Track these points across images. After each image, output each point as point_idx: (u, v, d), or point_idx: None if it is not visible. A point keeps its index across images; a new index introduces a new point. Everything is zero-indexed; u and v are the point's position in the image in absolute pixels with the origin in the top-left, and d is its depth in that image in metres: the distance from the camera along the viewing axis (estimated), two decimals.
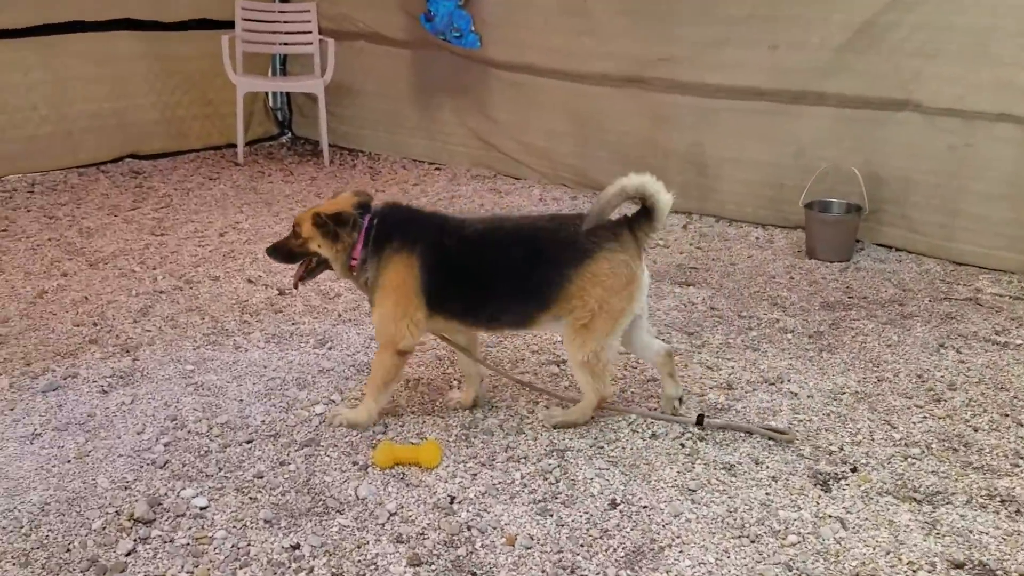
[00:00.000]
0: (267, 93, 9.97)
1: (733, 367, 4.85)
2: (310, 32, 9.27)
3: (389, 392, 4.20)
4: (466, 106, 8.82)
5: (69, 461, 3.87)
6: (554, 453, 3.99)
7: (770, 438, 4.10)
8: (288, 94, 10.14)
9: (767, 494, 3.70)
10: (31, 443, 3.99)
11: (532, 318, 3.98)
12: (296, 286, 4.22)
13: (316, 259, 4.03)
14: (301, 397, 4.46)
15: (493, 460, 3.93)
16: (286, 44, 9.51)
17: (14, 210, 7.20)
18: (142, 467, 3.84)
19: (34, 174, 8.05)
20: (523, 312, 3.97)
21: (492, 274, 3.93)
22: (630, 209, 3.97)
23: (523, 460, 3.93)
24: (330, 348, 5.01)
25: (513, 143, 8.53)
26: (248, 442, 4.05)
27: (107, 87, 8.54)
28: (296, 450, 3.99)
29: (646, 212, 3.83)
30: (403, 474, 3.82)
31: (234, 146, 9.43)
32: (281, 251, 4.06)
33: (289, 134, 10.26)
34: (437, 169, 8.99)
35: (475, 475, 3.82)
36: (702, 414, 4.15)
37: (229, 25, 9.09)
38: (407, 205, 4.27)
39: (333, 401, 4.44)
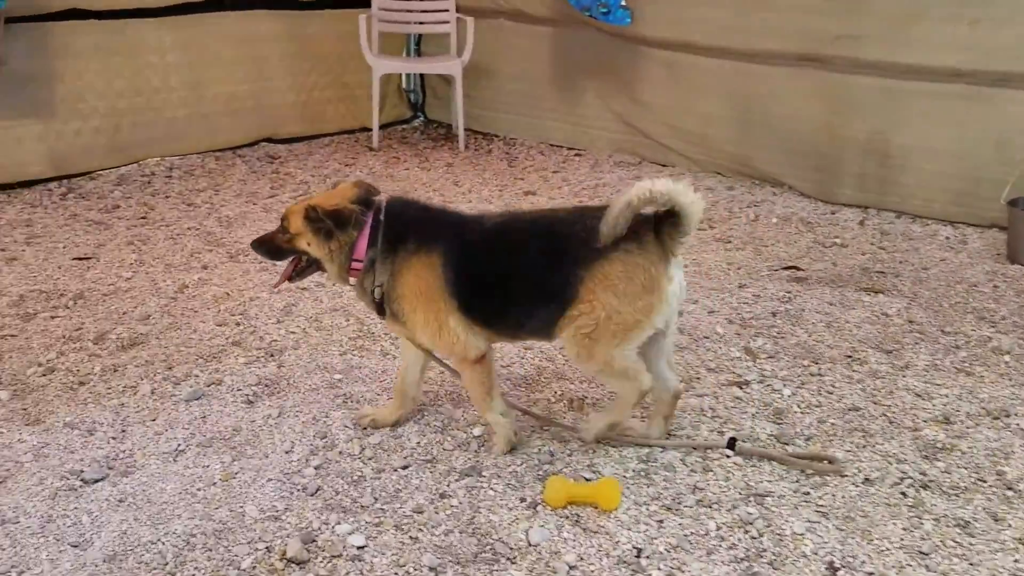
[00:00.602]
0: (401, 75, 9.63)
1: (947, 396, 4.16)
2: (447, 10, 8.85)
3: (498, 397, 3.74)
4: (612, 88, 8.25)
5: (215, 484, 3.55)
6: (751, 498, 3.44)
7: (814, 472, 3.62)
8: (422, 76, 9.78)
9: (1016, 562, 3.06)
10: (174, 461, 3.70)
11: (555, 325, 3.57)
12: (277, 287, 3.85)
13: (306, 258, 3.63)
14: (457, 416, 4.04)
15: (680, 504, 3.41)
16: (422, 23, 9.12)
17: (153, 195, 7.07)
18: (292, 494, 3.49)
19: (172, 158, 7.93)
20: (546, 318, 3.59)
21: (512, 274, 3.60)
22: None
23: (716, 506, 3.39)
24: None
25: (663, 128, 7.92)
26: (404, 467, 3.65)
27: (244, 68, 8.35)
28: (456, 480, 3.57)
29: (674, 216, 3.37)
30: (578, 516, 3.35)
31: (368, 130, 9.13)
32: (266, 245, 3.64)
33: (422, 117, 9.91)
34: (577, 155, 8.47)
35: (661, 522, 3.31)
36: (734, 438, 3.69)
37: (365, 4, 8.75)
38: (416, 200, 3.83)
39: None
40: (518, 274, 3.57)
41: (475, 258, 3.58)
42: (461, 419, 4.00)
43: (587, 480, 3.60)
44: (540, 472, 3.63)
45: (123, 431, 3.91)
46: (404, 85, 9.77)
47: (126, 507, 3.40)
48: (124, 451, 3.75)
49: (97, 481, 3.55)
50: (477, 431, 3.90)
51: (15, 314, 4.94)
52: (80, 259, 5.72)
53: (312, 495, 3.49)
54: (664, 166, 7.98)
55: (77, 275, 5.50)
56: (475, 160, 8.41)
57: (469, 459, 3.73)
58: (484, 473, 3.63)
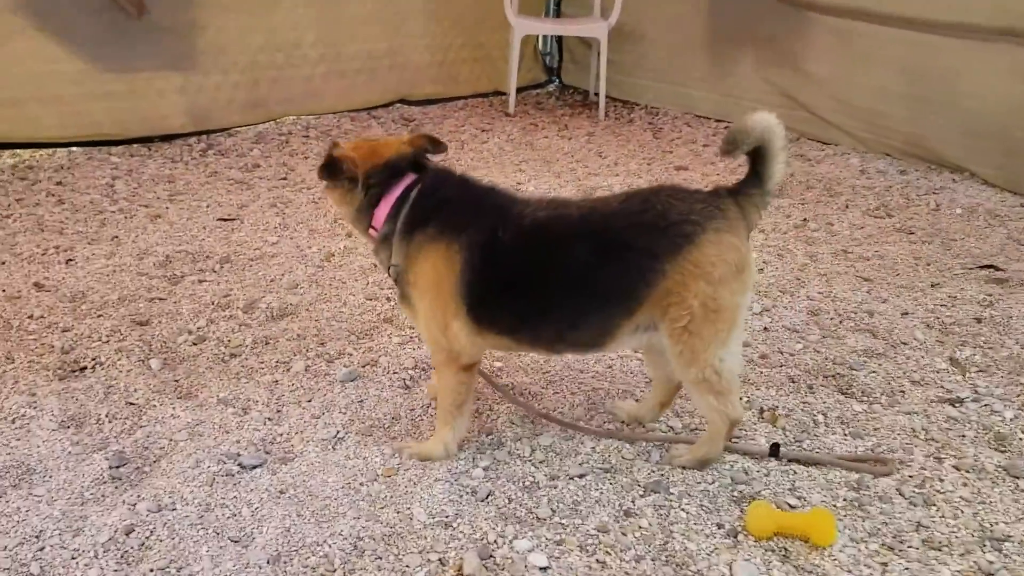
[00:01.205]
0: (538, 37, 9.19)
1: None
2: None
3: (466, 415, 3.35)
4: (771, 56, 7.64)
5: (377, 479, 3.27)
6: (988, 542, 2.97)
7: (865, 471, 3.32)
8: (560, 38, 9.31)
9: None
10: (334, 449, 3.43)
11: (612, 332, 3.16)
12: None
13: None
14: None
15: (903, 543, 2.96)
16: None
17: (291, 155, 6.85)
18: (462, 497, 3.17)
19: (308, 117, 7.72)
20: (601, 324, 3.15)
21: (559, 276, 3.12)
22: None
23: (946, 549, 2.93)
24: None
25: (828, 102, 7.29)
26: (580, 476, 3.29)
27: (381, 26, 8.05)
28: (641, 496, 3.20)
29: (757, 177, 3.05)
30: (786, 550, 2.94)
31: (502, 94, 8.80)
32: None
33: (557, 82, 9.47)
34: (727, 128, 7.88)
35: (885, 565, 2.87)
36: (777, 444, 3.37)
37: None
38: (460, 175, 3.33)
39: (671, 428, 3.62)
40: (564, 279, 3.10)
41: (506, 260, 3.11)
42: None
43: (791, 507, 3.18)
44: (735, 494, 3.23)
45: (279, 411, 3.67)
46: (540, 47, 9.33)
47: (287, 500, 3.14)
48: (281, 435, 3.51)
49: (255, 467, 3.31)
50: (657, 442, 3.53)
51: (163, 275, 4.77)
52: (224, 220, 5.54)
53: (483, 500, 3.17)
54: (825, 144, 7.37)
55: (222, 237, 5.31)
56: (616, 129, 7.94)
57: (652, 472, 3.35)
58: (672, 491, 3.24)
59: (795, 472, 3.37)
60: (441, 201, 3.19)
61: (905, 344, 4.30)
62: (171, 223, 5.45)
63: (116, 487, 3.19)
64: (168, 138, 6.84)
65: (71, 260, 4.89)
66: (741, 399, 3.83)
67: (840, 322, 4.52)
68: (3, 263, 4.81)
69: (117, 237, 5.19)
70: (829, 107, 7.31)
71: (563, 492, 3.22)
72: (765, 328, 4.43)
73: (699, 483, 3.29)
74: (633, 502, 3.18)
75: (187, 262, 4.94)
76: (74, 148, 6.53)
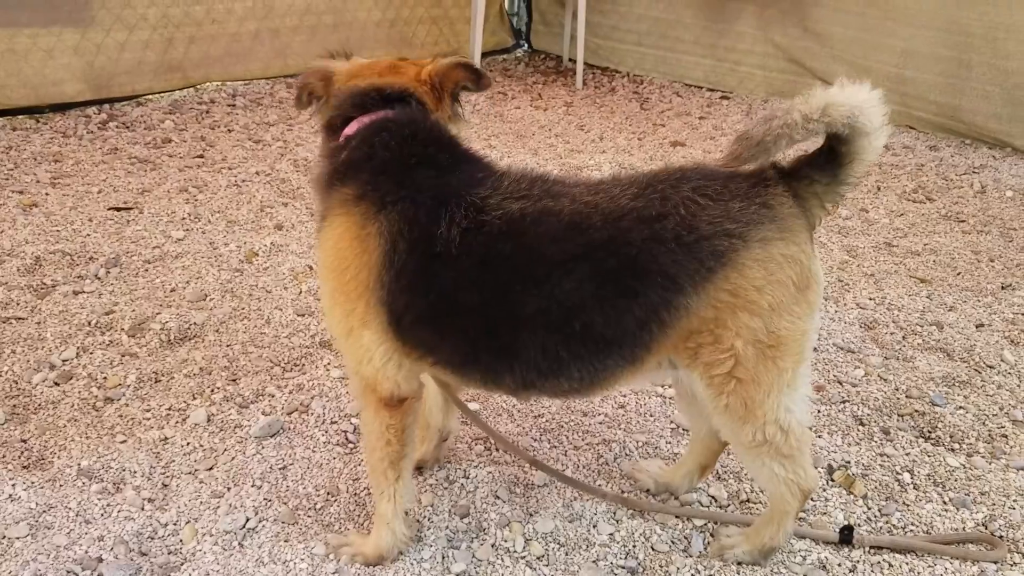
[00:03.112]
0: None
1: None
2: None
3: (406, 477, 2.32)
4: (775, 15, 6.70)
5: None
6: None
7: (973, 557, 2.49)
8: None
9: None
10: (241, 547, 2.39)
11: (605, 382, 2.18)
12: None
13: None
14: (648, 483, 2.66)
15: None
16: None
17: (212, 128, 5.69)
18: None
19: (235, 83, 6.54)
20: (590, 375, 2.14)
21: (531, 307, 2.05)
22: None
23: None
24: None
25: (842, 67, 6.31)
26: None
27: None
28: None
29: (833, 159, 2.07)
30: None
31: None
32: None
33: (526, 46, 8.39)
34: (723, 98, 6.92)
35: None
36: (850, 527, 2.54)
37: None
38: (437, 125, 2.21)
39: (713, 499, 2.63)
40: (539, 312, 2.04)
41: (449, 264, 2.03)
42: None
43: None
44: None
45: (165, 487, 2.60)
46: (507, 7, 8.25)
47: None
48: (166, 525, 2.45)
49: None
50: (699, 520, 2.54)
51: (25, 286, 3.62)
52: (118, 209, 4.37)
53: None
54: None
55: (113, 231, 4.15)
56: (598, 100, 6.90)
57: (695, 571, 2.38)
58: None
59: (890, 564, 2.42)
60: (381, 149, 2.11)
61: (991, 368, 3.37)
62: (49, 214, 4.28)
63: None
64: (61, 108, 5.63)
65: None
66: None
67: (904, 338, 3.56)
68: None
69: None
70: (843, 73, 6.27)
71: None
72: (813, 348, 3.44)
73: None
74: None
75: (62, 266, 3.79)
76: None
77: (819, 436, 2.94)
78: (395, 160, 2.13)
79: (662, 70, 7.44)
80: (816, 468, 2.77)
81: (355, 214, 2.08)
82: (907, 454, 2.87)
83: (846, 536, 2.49)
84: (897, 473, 2.78)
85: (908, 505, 2.65)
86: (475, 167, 2.21)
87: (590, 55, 7.61)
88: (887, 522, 2.58)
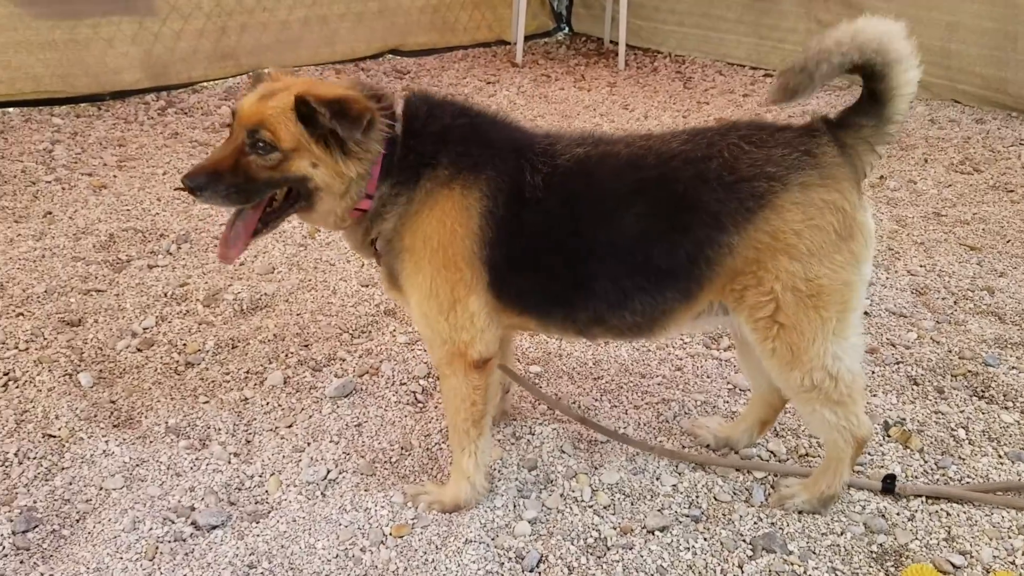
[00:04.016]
0: None
1: None
2: None
3: (486, 433, 2.45)
4: None
5: (384, 542, 2.37)
6: None
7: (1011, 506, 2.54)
8: None
9: None
10: (323, 496, 2.53)
11: (663, 319, 2.28)
12: (235, 256, 2.26)
13: (291, 192, 2.22)
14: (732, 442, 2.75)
15: None
16: None
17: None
18: (503, 567, 2.29)
19: (287, 70, 6.67)
20: (651, 308, 2.25)
21: (605, 237, 2.20)
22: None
23: None
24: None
25: None
26: (662, 529, 2.41)
27: None
28: (750, 557, 2.35)
29: (874, 100, 2.15)
30: None
31: (505, 43, 7.83)
32: (229, 180, 2.13)
33: (566, 29, 8.45)
34: (767, 76, 6.95)
35: None
36: (892, 475, 2.59)
37: None
38: (450, 98, 2.36)
39: (773, 454, 2.72)
40: (611, 241, 2.19)
41: (538, 212, 2.19)
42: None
43: (956, 569, 2.30)
44: (874, 549, 2.36)
45: (248, 443, 2.74)
46: None
47: None
48: (252, 477, 2.59)
49: (215, 528, 2.40)
50: (759, 472, 2.63)
51: (103, 261, 3.79)
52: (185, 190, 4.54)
53: (533, 571, 2.27)
54: None
55: (181, 210, 4.33)
56: (641, 80, 6.96)
57: (760, 521, 2.46)
58: (791, 548, 2.36)
59: (948, 513, 2.49)
60: (446, 130, 2.23)
61: None
62: (119, 195, 4.46)
63: (22, 562, 2.28)
64: (121, 95, 5.82)
65: None
66: None
67: (955, 303, 3.61)
68: None
69: (51, 213, 4.21)
70: None
71: (642, 555, 2.33)
72: (865, 313, 3.51)
73: (824, 534, 2.42)
74: (740, 567, 2.31)
75: (135, 243, 3.97)
76: (10, 108, 5.51)
77: (874, 395, 3.01)
78: (467, 128, 2.26)
79: (704, 49, 7.46)
80: (872, 424, 2.85)
81: (456, 186, 2.20)
82: (961, 411, 2.93)
83: (888, 485, 2.55)
84: (952, 429, 2.84)
85: (964, 459, 2.72)
86: (516, 124, 2.40)
87: (632, 36, 7.65)
88: (943, 475, 2.65)
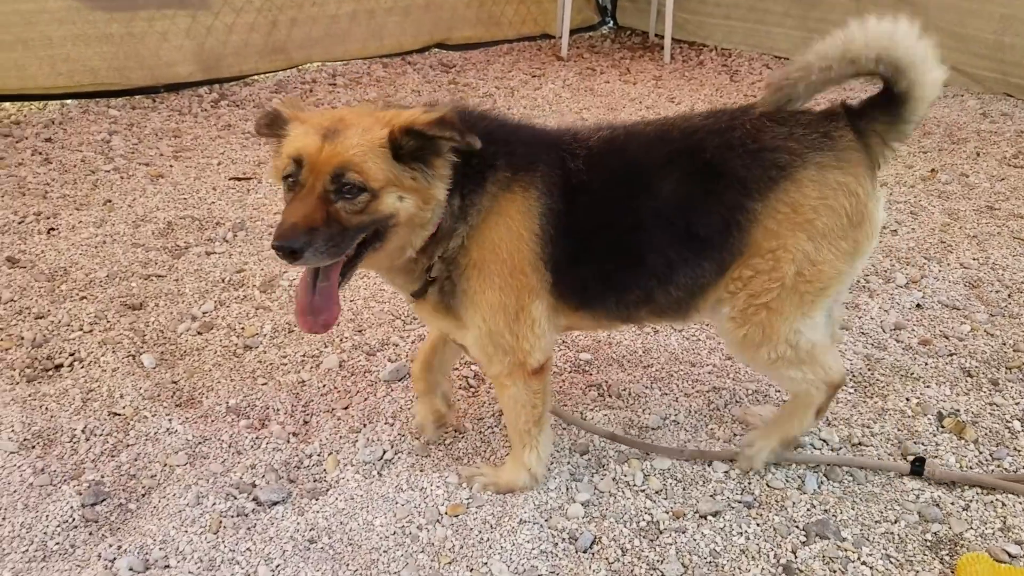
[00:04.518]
0: None
1: None
2: None
3: (547, 429, 2.49)
4: None
5: (439, 521, 2.42)
6: None
7: None
8: None
9: None
10: (380, 476, 2.58)
11: (701, 294, 2.33)
12: (336, 316, 2.11)
13: (372, 236, 2.07)
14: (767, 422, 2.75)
15: None
16: None
17: (317, 106, 5.94)
18: (557, 547, 2.32)
19: (335, 63, 6.78)
20: (692, 281, 2.26)
21: (648, 210, 2.21)
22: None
23: None
24: None
25: (938, 35, 6.14)
26: (714, 514, 2.43)
27: None
28: (803, 543, 2.36)
29: (891, 98, 2.16)
30: None
31: (550, 37, 7.86)
32: (325, 235, 1.96)
33: (611, 23, 8.45)
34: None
35: None
36: (921, 458, 2.58)
37: None
38: (471, 107, 2.30)
39: (826, 443, 2.72)
40: (654, 214, 2.21)
41: (586, 197, 2.20)
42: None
43: (1012, 558, 2.29)
44: (929, 537, 2.36)
45: (306, 423, 2.81)
46: None
47: (320, 553, 2.29)
48: (310, 456, 2.65)
49: (276, 504, 2.46)
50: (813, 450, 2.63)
51: (162, 247, 3.89)
52: (239, 179, 4.64)
53: (587, 552, 2.31)
54: None
55: (236, 199, 4.42)
56: (686, 73, 6.94)
57: (812, 508, 2.47)
58: (844, 534, 2.36)
59: (1004, 504, 2.48)
60: (488, 133, 2.14)
61: None
62: (175, 184, 4.57)
63: (91, 533, 2.36)
64: (175, 88, 5.95)
65: (53, 229, 4.03)
66: (908, 399, 2.92)
67: (1009, 296, 3.57)
68: None
69: (110, 201, 4.33)
70: (940, 43, 6.21)
71: (695, 538, 2.35)
72: (917, 305, 3.49)
73: (877, 522, 2.42)
74: (794, 553, 2.31)
75: (193, 230, 4.06)
76: (68, 101, 5.66)
77: (927, 386, 2.99)
78: (501, 129, 2.26)
79: (751, 43, 7.42)
80: (926, 415, 2.84)
81: (516, 188, 2.19)
82: (1017, 403, 2.91)
83: (917, 468, 2.56)
84: (1007, 421, 2.82)
85: (1020, 451, 2.70)
86: (531, 122, 2.45)
87: (677, 30, 7.62)
88: (999, 466, 2.63)
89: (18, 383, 2.96)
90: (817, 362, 2.36)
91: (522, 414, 2.42)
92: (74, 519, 2.40)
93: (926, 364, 3.12)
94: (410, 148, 2.02)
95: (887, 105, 2.17)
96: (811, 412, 2.51)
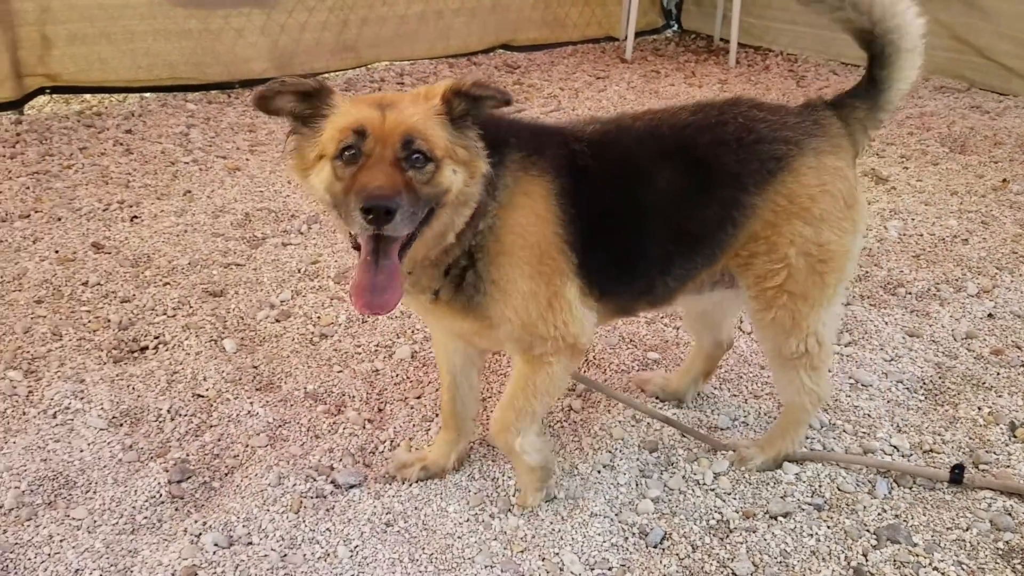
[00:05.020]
0: None
1: None
2: None
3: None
4: None
5: (511, 510, 2.48)
6: None
7: None
8: None
9: None
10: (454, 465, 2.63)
11: (690, 283, 2.41)
12: (399, 296, 2.01)
13: (427, 214, 2.00)
14: (847, 427, 2.76)
15: None
16: None
17: None
18: (627, 541, 2.37)
19: (402, 63, 6.89)
20: (685, 272, 2.36)
21: (643, 206, 2.23)
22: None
23: None
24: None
25: (1009, 44, 6.17)
26: (784, 515, 2.45)
27: None
28: (874, 547, 2.37)
29: (870, 87, 2.31)
30: None
31: (614, 39, 7.88)
32: (408, 202, 1.88)
33: (675, 27, 8.44)
34: None
35: None
36: (961, 465, 2.56)
37: None
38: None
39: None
40: (650, 209, 2.23)
41: (594, 182, 2.19)
42: (859, 430, 2.74)
43: None
44: (1001, 546, 2.36)
45: (380, 411, 2.89)
46: None
47: (396, 536, 2.36)
48: (385, 442, 2.73)
49: (353, 487, 2.54)
50: (886, 458, 2.63)
51: (241, 237, 4.02)
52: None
53: (657, 547, 2.34)
54: (1003, 95, 6.23)
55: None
56: (752, 77, 6.91)
57: (884, 512, 2.48)
58: (915, 540, 2.37)
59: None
60: (494, 120, 2.14)
61: None
62: (251, 177, 4.70)
63: (177, 509, 2.46)
64: (249, 84, 6.10)
65: (136, 217, 4.18)
66: (980, 408, 2.90)
67: None
68: (59, 219, 4.12)
69: (190, 192, 4.47)
70: (1009, 51, 6.18)
71: (765, 538, 2.37)
72: (989, 315, 3.46)
73: (949, 528, 2.42)
74: (865, 556, 2.32)
75: (269, 221, 4.18)
76: (147, 94, 5.85)
77: (999, 396, 2.97)
78: (507, 120, 2.30)
79: (818, 48, 7.36)
80: (998, 425, 2.83)
81: (534, 171, 2.16)
82: None
83: (956, 475, 2.55)
84: None
85: None
86: (522, 118, 2.53)
87: (743, 34, 7.58)
88: None
89: (106, 363, 3.09)
90: (822, 371, 2.45)
91: (549, 395, 2.32)
92: (161, 495, 2.50)
93: (998, 374, 3.09)
94: (460, 111, 2.00)
95: (866, 93, 2.32)
96: (803, 430, 2.60)
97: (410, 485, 2.53)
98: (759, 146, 2.23)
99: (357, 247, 2.01)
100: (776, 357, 2.46)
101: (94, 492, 2.51)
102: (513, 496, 2.51)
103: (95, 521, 2.40)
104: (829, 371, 2.51)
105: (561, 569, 2.27)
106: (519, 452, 2.37)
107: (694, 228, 2.28)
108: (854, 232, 2.32)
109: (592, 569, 2.28)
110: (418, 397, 2.94)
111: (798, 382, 2.45)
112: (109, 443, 2.69)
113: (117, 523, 2.40)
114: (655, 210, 2.26)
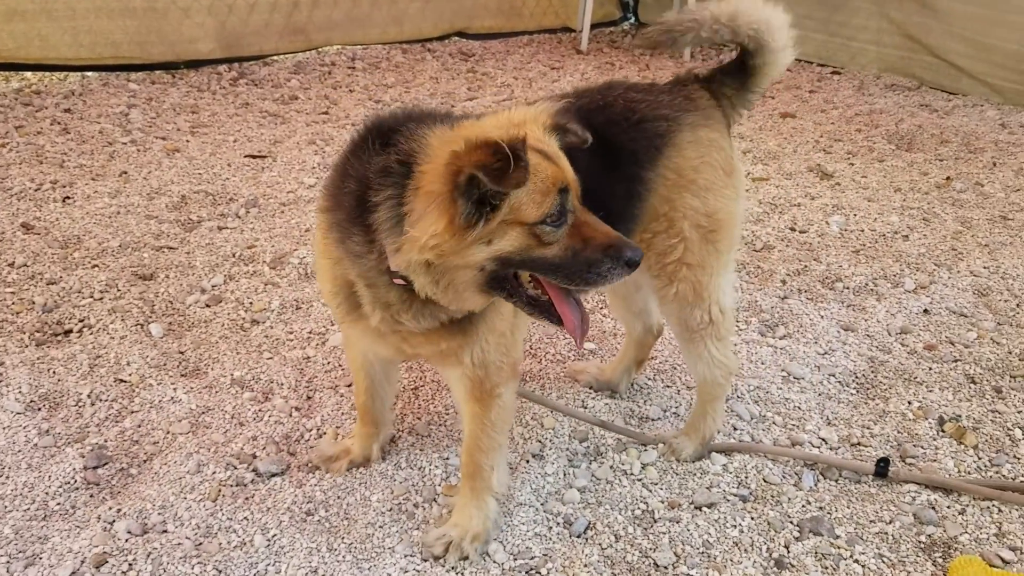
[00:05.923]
0: None
1: None
2: None
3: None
4: None
5: (436, 499, 2.44)
6: None
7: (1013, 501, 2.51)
8: None
9: None
10: (394, 450, 2.59)
11: None
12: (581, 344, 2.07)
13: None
14: (777, 420, 2.77)
15: None
16: None
17: (335, 88, 5.96)
18: (552, 531, 2.33)
19: (354, 47, 6.79)
20: None
21: (595, 184, 2.12)
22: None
23: None
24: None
25: (959, 44, 6.24)
26: (709, 506, 2.44)
27: None
28: (796, 538, 2.38)
29: (743, 69, 2.39)
30: None
31: (571, 30, 7.85)
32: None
33: (633, 19, 8.44)
34: (835, 73, 6.87)
35: None
36: (886, 458, 2.59)
37: None
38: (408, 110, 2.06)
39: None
40: (585, 187, 2.04)
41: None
42: (789, 423, 2.74)
43: (1005, 563, 2.30)
44: (923, 539, 2.37)
45: (309, 399, 2.83)
46: None
47: (315, 526, 2.32)
48: (311, 431, 2.68)
49: (275, 476, 2.49)
50: (811, 451, 2.64)
51: (175, 220, 3.92)
52: (254, 157, 4.67)
53: (581, 537, 2.32)
54: (952, 94, 6.31)
55: (250, 176, 4.44)
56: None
57: (808, 504, 2.48)
58: (838, 532, 2.38)
59: (1000, 510, 2.48)
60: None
61: None
62: (191, 159, 4.60)
63: (91, 496, 2.39)
64: (195, 64, 5.97)
65: (68, 198, 4.06)
66: (910, 403, 2.93)
67: (1017, 305, 3.56)
68: None
69: (126, 173, 4.36)
70: (960, 50, 6.25)
71: (689, 529, 2.36)
72: (925, 310, 3.49)
73: (872, 521, 2.43)
74: (787, 547, 2.32)
75: (206, 204, 4.09)
76: (89, 72, 5.70)
77: (930, 391, 2.99)
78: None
79: None
80: (927, 419, 2.85)
81: None
82: (1019, 412, 2.90)
83: (882, 469, 2.57)
84: (1008, 429, 2.82)
85: (1019, 458, 2.70)
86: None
87: None
88: (997, 472, 2.63)
89: (27, 346, 2.99)
90: (728, 342, 2.49)
91: (507, 423, 2.28)
92: (76, 481, 2.43)
93: (930, 369, 3.12)
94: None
95: (736, 74, 2.38)
96: (720, 406, 2.62)
97: (334, 475, 2.49)
98: (644, 124, 2.27)
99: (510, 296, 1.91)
100: (684, 331, 2.48)
101: (6, 477, 2.43)
102: (439, 485, 2.47)
103: (5, 507, 2.33)
104: (735, 346, 2.53)
105: (484, 558, 2.24)
106: (495, 488, 2.30)
107: (613, 205, 2.22)
108: (736, 199, 2.39)
109: (515, 559, 2.25)
110: (348, 385, 2.89)
111: (707, 355, 2.48)
112: (25, 427, 2.61)
113: (28, 509, 2.33)
114: (601, 193, 2.21)
